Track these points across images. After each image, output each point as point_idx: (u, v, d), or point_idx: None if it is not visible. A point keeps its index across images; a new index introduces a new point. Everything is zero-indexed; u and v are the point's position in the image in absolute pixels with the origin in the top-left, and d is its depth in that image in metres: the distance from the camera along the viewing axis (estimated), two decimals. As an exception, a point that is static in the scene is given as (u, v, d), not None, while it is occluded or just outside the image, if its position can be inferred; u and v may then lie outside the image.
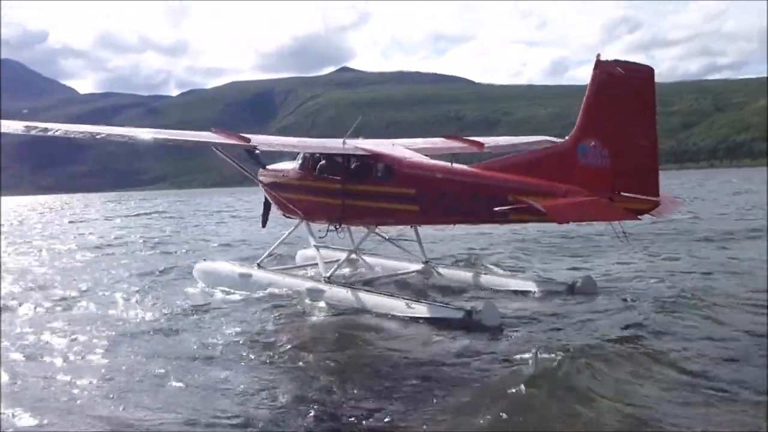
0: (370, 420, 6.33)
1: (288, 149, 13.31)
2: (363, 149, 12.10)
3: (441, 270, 14.11)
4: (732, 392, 6.71)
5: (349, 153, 12.16)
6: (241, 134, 11.71)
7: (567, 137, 9.80)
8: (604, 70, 9.13)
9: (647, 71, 9.18)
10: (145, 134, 11.42)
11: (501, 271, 14.52)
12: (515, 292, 12.36)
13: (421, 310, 10.55)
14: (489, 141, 14.52)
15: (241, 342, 9.47)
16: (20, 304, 12.39)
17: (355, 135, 12.95)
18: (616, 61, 9.10)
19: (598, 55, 9.20)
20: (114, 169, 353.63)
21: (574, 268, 14.83)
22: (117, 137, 11.21)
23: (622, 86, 8.99)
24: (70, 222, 44.07)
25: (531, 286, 12.48)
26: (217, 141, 11.66)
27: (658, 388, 6.88)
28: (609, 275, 13.87)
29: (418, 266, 14.12)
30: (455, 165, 11.38)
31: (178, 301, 12.48)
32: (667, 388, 6.86)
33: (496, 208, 9.69)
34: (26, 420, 6.52)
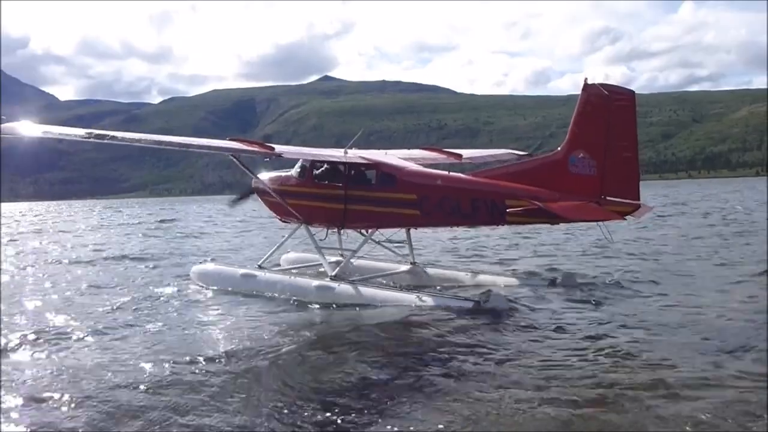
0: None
1: (308, 158, 13.49)
2: (368, 159, 12.68)
3: (428, 270, 14.40)
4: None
5: (357, 162, 12.62)
6: (266, 143, 12.29)
7: (558, 148, 10.83)
8: (591, 92, 10.31)
9: (629, 94, 10.45)
10: (173, 140, 11.72)
11: (488, 270, 14.80)
12: (504, 287, 12.86)
13: (432, 301, 11.05)
14: (466, 153, 15.16)
15: (239, 342, 9.25)
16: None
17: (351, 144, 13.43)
18: (602, 84, 10.31)
19: (586, 79, 10.43)
20: (93, 176, 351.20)
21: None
22: (132, 142, 11.18)
23: (607, 106, 10.19)
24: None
25: (518, 282, 13.20)
26: (241, 148, 12.09)
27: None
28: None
29: (407, 267, 14.38)
30: (452, 173, 12.14)
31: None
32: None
33: (509, 210, 10.67)
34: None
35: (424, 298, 11.18)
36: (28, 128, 10.25)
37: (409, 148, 15.68)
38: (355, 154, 12.85)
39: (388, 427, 5.80)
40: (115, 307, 11.74)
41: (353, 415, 6.09)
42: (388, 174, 12.36)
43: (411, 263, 14.44)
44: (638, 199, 10.41)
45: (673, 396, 6.36)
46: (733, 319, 9.70)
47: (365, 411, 6.20)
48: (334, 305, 11.58)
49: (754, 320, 9.42)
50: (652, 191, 67.55)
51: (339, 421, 5.96)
